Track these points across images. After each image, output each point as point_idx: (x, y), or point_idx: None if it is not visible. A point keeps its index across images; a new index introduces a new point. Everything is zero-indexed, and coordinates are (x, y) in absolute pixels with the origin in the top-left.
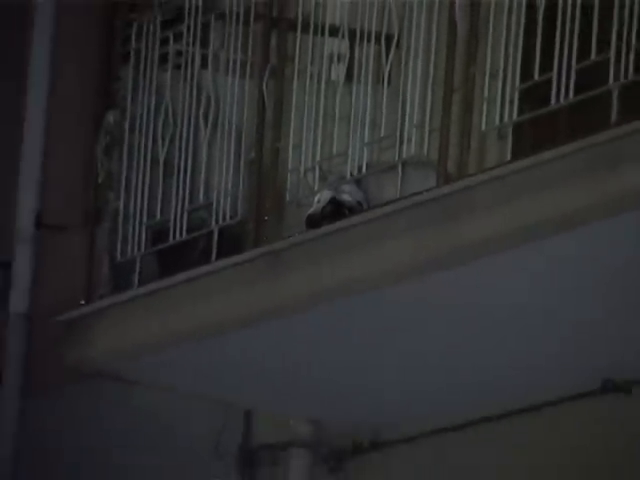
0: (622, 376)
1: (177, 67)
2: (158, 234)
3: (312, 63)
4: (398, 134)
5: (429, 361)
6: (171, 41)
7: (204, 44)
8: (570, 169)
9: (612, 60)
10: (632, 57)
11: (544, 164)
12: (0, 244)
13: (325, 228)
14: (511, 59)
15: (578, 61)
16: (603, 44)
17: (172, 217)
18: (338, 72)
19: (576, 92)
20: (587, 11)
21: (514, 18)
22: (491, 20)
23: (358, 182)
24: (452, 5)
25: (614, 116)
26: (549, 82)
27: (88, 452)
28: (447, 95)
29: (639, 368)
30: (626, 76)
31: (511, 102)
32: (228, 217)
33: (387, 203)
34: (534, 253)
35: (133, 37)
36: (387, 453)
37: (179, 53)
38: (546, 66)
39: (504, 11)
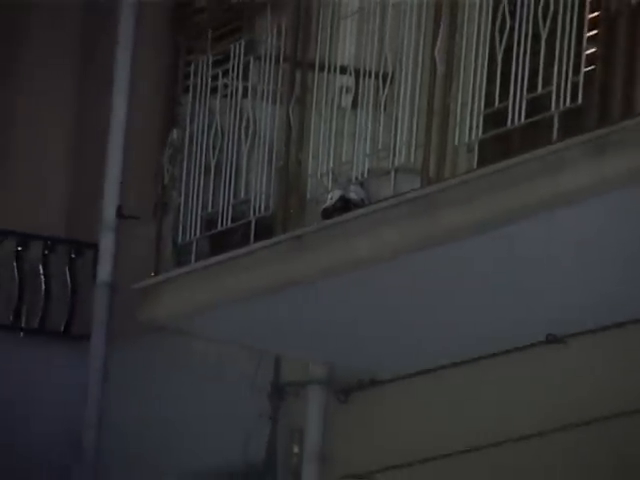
0: (561, 331)
1: (224, 96)
2: (209, 222)
3: (326, 94)
4: (392, 148)
5: (412, 319)
6: (220, 76)
7: (245, 78)
8: (520, 175)
9: (554, 92)
10: (569, 90)
11: (501, 171)
12: (90, 230)
13: (336, 218)
14: (477, 92)
15: (528, 92)
16: (548, 79)
17: (220, 210)
18: (346, 101)
19: (527, 116)
20: (535, 54)
21: (480, 60)
22: (462, 62)
23: (361, 184)
24: (433, 50)
25: (555, 134)
26: (506, 109)
27: (158, 388)
28: (429, 119)
29: (575, 324)
30: (564, 104)
31: (477, 124)
32: (262, 210)
33: (383, 200)
34: (490, 239)
35: (192, 73)
36: (382, 389)
37: (226, 85)
38: (503, 97)
39: (472, 55)
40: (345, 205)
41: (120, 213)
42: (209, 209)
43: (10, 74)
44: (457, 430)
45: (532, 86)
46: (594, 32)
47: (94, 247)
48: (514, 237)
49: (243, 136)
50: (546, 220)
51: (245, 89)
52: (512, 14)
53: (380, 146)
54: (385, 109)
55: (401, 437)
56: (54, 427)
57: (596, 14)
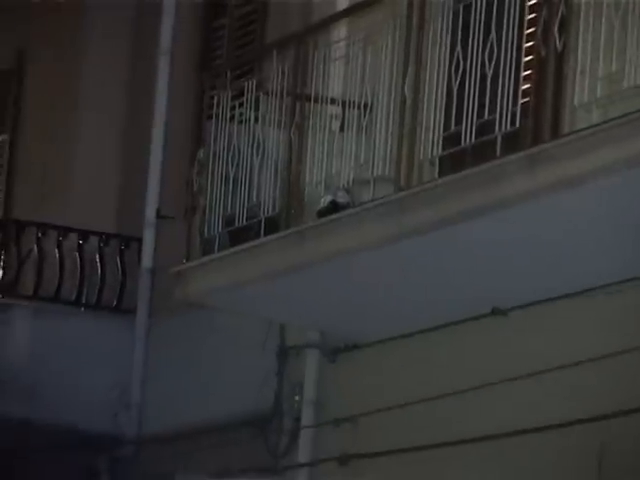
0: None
1: (240, 123)
2: (229, 221)
3: (320, 120)
4: (371, 162)
5: (387, 296)
6: (237, 107)
7: (256, 109)
8: (471, 183)
9: (497, 118)
10: (509, 117)
11: (456, 180)
12: (135, 226)
13: (328, 217)
14: (437, 118)
15: (477, 119)
16: (492, 109)
17: (237, 211)
18: (335, 126)
19: (476, 137)
20: (483, 89)
21: (439, 94)
22: (426, 95)
23: (347, 190)
24: (403, 86)
25: (498, 151)
26: (460, 132)
27: (189, 351)
28: (400, 139)
29: (516, 297)
30: (505, 128)
31: (437, 144)
32: (270, 211)
33: (364, 202)
34: (447, 233)
35: (215, 104)
36: (363, 351)
37: (241, 114)
38: (458, 122)
39: (433, 89)
40: (335, 207)
41: (159, 214)
42: (228, 210)
43: (71, 93)
44: (426, 381)
45: (480, 114)
46: (528, 72)
47: (139, 240)
48: (466, 231)
49: (255, 154)
50: (491, 218)
51: (256, 117)
52: (464, 58)
53: (362, 161)
54: (366, 132)
55: (379, 389)
56: (107, 382)
57: (530, 58)
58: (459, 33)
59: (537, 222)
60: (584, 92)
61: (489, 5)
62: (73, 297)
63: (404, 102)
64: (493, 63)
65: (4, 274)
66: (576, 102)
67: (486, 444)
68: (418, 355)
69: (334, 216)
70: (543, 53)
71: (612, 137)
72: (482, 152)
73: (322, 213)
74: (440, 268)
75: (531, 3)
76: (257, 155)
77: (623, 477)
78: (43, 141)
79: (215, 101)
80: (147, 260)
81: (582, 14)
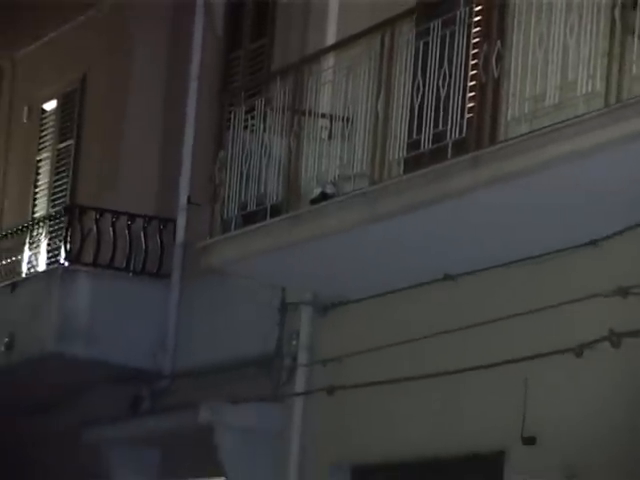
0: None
1: (252, 131)
2: (242, 207)
3: (313, 130)
4: (352, 162)
5: (364, 266)
6: (249, 119)
7: (264, 121)
8: (429, 179)
9: (449, 129)
10: (458, 128)
11: (417, 176)
12: (171, 210)
13: (319, 204)
14: (403, 129)
15: (434, 129)
16: (445, 121)
17: (248, 199)
18: (324, 134)
19: (432, 144)
20: (438, 106)
21: (405, 109)
22: (394, 110)
23: (334, 184)
24: (377, 103)
25: (449, 154)
26: (420, 139)
27: (212, 308)
28: (374, 145)
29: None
30: (455, 136)
31: (403, 148)
32: (274, 199)
33: (347, 193)
34: (411, 217)
35: (232, 117)
36: (347, 307)
37: (253, 125)
38: (419, 132)
39: (400, 106)
40: (324, 196)
41: (189, 201)
42: (242, 199)
43: (120, 108)
44: (396, 331)
45: (435, 125)
46: (472, 94)
47: (173, 221)
48: (425, 215)
49: (263, 155)
50: (443, 205)
51: (264, 127)
52: (423, 83)
53: (345, 161)
54: (348, 139)
55: (359, 336)
56: (149, 330)
57: (473, 83)
58: (419, 64)
59: (478, 207)
60: (515, 109)
61: (442, 42)
62: (123, 265)
63: (377, 116)
64: (445, 87)
65: (71, 247)
66: (509, 117)
67: (443, 379)
68: (390, 310)
69: (323, 203)
70: (484, 79)
71: (536, 144)
72: (437, 155)
73: (314, 201)
74: (403, 243)
75: (475, 41)
76: (264, 156)
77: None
78: (99, 144)
79: (232, 115)
80: (180, 237)
81: (513, 50)
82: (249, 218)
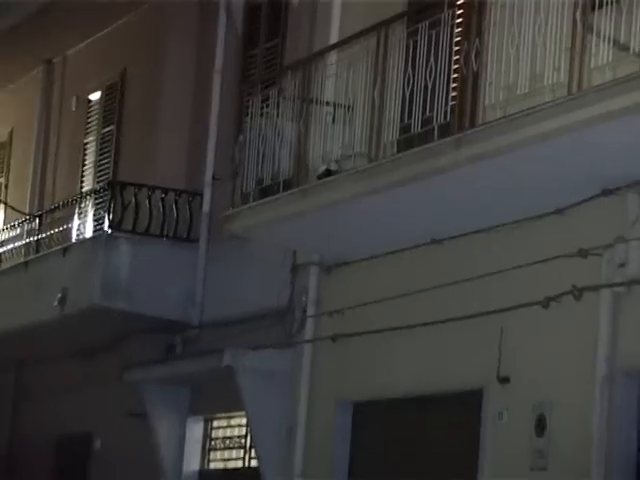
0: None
1: (267, 118)
2: (259, 182)
3: (319, 116)
4: (352, 143)
5: (364, 231)
6: (265, 107)
7: (277, 108)
8: (418, 157)
9: (435, 115)
10: (443, 114)
11: (408, 155)
12: (199, 185)
13: (324, 180)
14: (396, 114)
15: (422, 115)
16: (432, 108)
17: (264, 175)
18: (329, 119)
19: (421, 127)
20: (427, 95)
21: (398, 97)
22: (388, 98)
23: (337, 161)
24: (374, 91)
25: (435, 137)
26: (410, 124)
27: (234, 268)
28: (371, 128)
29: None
30: (441, 121)
31: (396, 131)
32: (287, 175)
33: (348, 170)
34: (402, 190)
35: (250, 105)
36: (349, 266)
37: (267, 112)
38: (409, 117)
39: (393, 94)
40: (329, 173)
41: (214, 177)
42: (259, 175)
43: (155, 97)
44: (391, 286)
45: (424, 111)
46: (455, 85)
47: (201, 195)
48: (415, 189)
49: (276, 138)
50: (431, 180)
51: (277, 114)
52: (413, 75)
53: (346, 142)
54: (349, 123)
55: (359, 292)
56: (180, 287)
57: (456, 75)
58: (410, 59)
59: (461, 182)
60: (491, 97)
61: (429, 41)
62: (158, 232)
63: (374, 104)
64: (432, 79)
65: (113, 217)
66: (486, 104)
67: (430, 328)
68: (385, 269)
69: (328, 179)
70: (464, 72)
71: (510, 127)
72: (425, 137)
73: (320, 177)
74: (396, 213)
75: (457, 40)
76: (277, 139)
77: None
78: (137, 129)
79: (250, 103)
80: (206, 207)
81: (490, 47)
82: (265, 191)
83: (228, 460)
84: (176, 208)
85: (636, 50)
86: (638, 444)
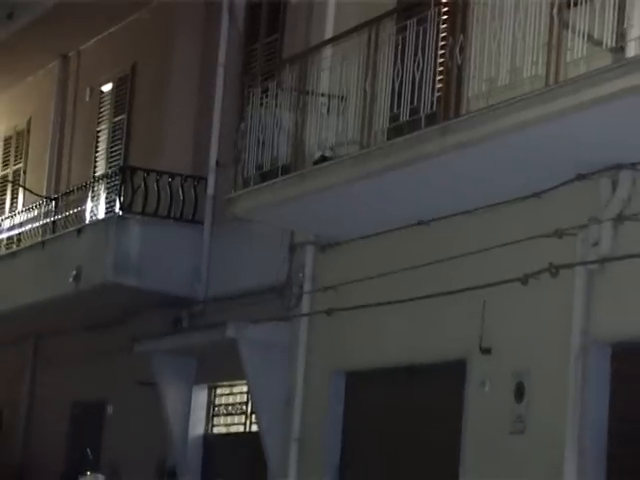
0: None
1: (266, 107)
2: (259, 167)
3: (315, 106)
4: (346, 132)
5: (354, 212)
6: (264, 97)
7: (276, 98)
8: (407, 144)
9: (422, 105)
10: (429, 104)
11: (397, 142)
12: (202, 170)
13: (319, 165)
14: (385, 104)
15: (410, 105)
16: (419, 98)
17: (264, 161)
18: (324, 110)
19: (410, 116)
20: (414, 86)
21: (387, 90)
22: (379, 90)
23: (332, 148)
24: (365, 84)
25: (423, 125)
26: (399, 113)
27: (235, 246)
28: (363, 117)
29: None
30: (427, 111)
31: (386, 120)
32: (285, 161)
33: (341, 156)
34: (391, 175)
35: (251, 96)
36: (340, 246)
37: (267, 102)
38: (398, 107)
39: (383, 86)
40: (324, 159)
41: (218, 163)
42: (259, 161)
43: (163, 88)
44: (379, 264)
45: (412, 102)
46: (441, 77)
47: (205, 179)
48: (404, 174)
49: (275, 126)
50: (419, 165)
51: (276, 104)
52: (402, 68)
53: (340, 131)
54: (343, 114)
55: (351, 269)
56: (187, 265)
57: (442, 69)
58: (399, 54)
59: (446, 167)
60: (474, 89)
61: (417, 37)
62: (165, 213)
63: (365, 95)
64: (419, 72)
65: (124, 200)
66: (470, 95)
67: (418, 303)
68: (376, 248)
69: (323, 164)
70: (449, 65)
71: (491, 116)
72: (413, 125)
73: (316, 162)
74: (386, 196)
75: (442, 36)
76: (276, 127)
77: None
78: (146, 118)
79: (251, 94)
80: (210, 191)
81: (473, 42)
82: (264, 176)
83: (230, 425)
84: (182, 191)
85: (608, 45)
86: (609, 408)
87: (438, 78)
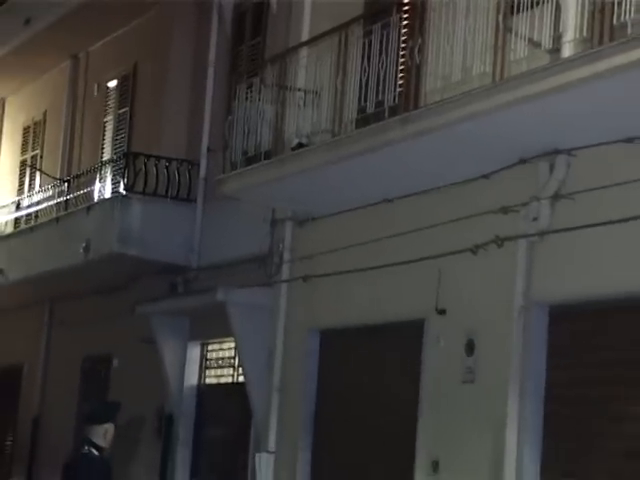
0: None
1: (251, 101)
2: (244, 153)
3: (292, 100)
4: (320, 122)
5: (329, 193)
6: (250, 92)
7: (259, 93)
8: (372, 132)
9: (386, 98)
10: (392, 97)
11: (365, 131)
12: (195, 155)
13: (296, 151)
14: (354, 98)
15: (376, 98)
16: (384, 93)
17: (249, 148)
18: (301, 103)
19: (375, 108)
20: (379, 82)
21: (355, 85)
22: (348, 86)
23: (307, 136)
24: (336, 81)
25: (387, 115)
26: (366, 105)
27: (223, 222)
28: (334, 110)
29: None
30: (391, 103)
31: (354, 111)
32: (266, 147)
33: (316, 144)
34: (360, 159)
35: (238, 90)
36: (316, 221)
37: (252, 96)
38: (365, 100)
39: (353, 83)
40: (300, 145)
41: (209, 149)
42: (244, 147)
43: (161, 84)
44: (349, 236)
45: (377, 95)
46: (402, 74)
47: (198, 164)
48: (370, 159)
49: (258, 117)
50: (383, 151)
51: (259, 98)
52: (369, 66)
53: (315, 121)
54: (317, 106)
55: (324, 241)
56: (182, 237)
57: (403, 67)
58: (366, 54)
59: (406, 152)
60: (431, 84)
61: (381, 39)
62: (163, 193)
63: (336, 90)
64: (383, 70)
65: (127, 181)
66: (427, 90)
67: (382, 270)
68: (346, 223)
69: (300, 150)
70: (409, 64)
71: (446, 108)
72: (378, 116)
73: (294, 148)
74: (354, 177)
75: (403, 39)
76: (259, 118)
77: None
78: (147, 110)
79: (238, 90)
80: (202, 173)
81: (430, 44)
82: (249, 160)
83: (220, 377)
84: (178, 174)
85: (546, 47)
86: (547, 360)
87: (399, 75)
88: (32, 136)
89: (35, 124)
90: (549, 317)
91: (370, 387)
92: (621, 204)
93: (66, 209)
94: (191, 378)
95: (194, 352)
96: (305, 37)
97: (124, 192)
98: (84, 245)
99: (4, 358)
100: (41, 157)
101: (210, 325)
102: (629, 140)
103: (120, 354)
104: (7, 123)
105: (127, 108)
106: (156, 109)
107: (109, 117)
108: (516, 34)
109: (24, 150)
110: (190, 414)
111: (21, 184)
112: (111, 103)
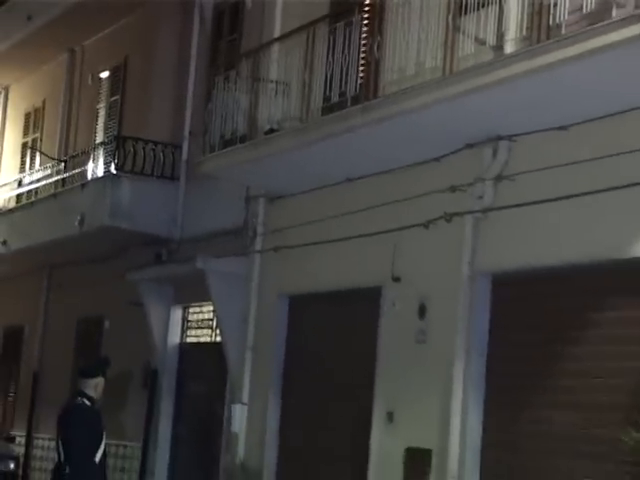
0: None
1: (228, 91)
2: (222, 136)
3: (266, 91)
4: (289, 110)
5: (300, 174)
6: (227, 83)
7: (236, 84)
8: (336, 119)
9: (348, 89)
10: (352, 88)
11: (330, 118)
12: (179, 139)
13: (269, 135)
14: (319, 90)
15: (339, 89)
16: (346, 85)
17: (226, 132)
18: (273, 93)
19: (339, 98)
20: (342, 74)
21: (320, 77)
22: (315, 78)
23: (279, 123)
24: (304, 74)
25: (349, 104)
26: (331, 96)
27: (205, 199)
28: (302, 99)
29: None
30: (353, 93)
31: (320, 102)
32: (242, 131)
33: (285, 129)
34: (322, 144)
35: (216, 82)
36: (286, 198)
37: (229, 87)
38: (330, 91)
39: (318, 75)
40: (272, 130)
41: (190, 133)
42: (222, 132)
43: (149, 74)
44: (317, 210)
45: (341, 86)
46: (363, 68)
47: (180, 146)
48: (334, 143)
49: (235, 105)
50: (345, 136)
51: (236, 89)
52: (333, 60)
53: (285, 109)
54: (287, 96)
55: (294, 216)
56: (166, 212)
57: (364, 62)
58: (331, 49)
59: (366, 137)
60: (389, 76)
61: (344, 36)
62: (150, 172)
63: (304, 82)
64: (346, 64)
65: (118, 161)
66: (385, 81)
67: (346, 242)
68: (313, 200)
69: (272, 135)
70: (369, 59)
71: (400, 98)
72: (341, 105)
73: (266, 133)
74: (320, 160)
75: (364, 36)
76: (236, 106)
77: None
78: (135, 98)
79: (216, 81)
80: (185, 155)
81: (388, 41)
82: (226, 143)
83: (200, 336)
84: (163, 155)
85: (491, 44)
86: (489, 322)
87: (361, 69)
88: (33, 121)
89: (35, 110)
90: (492, 284)
91: (333, 346)
92: (556, 184)
93: (63, 186)
94: (174, 337)
95: (177, 314)
96: (277, 34)
97: (115, 171)
98: (79, 218)
99: (7, 320)
100: (41, 140)
101: (191, 290)
102: (562, 128)
103: (111, 316)
104: (10, 109)
105: (118, 96)
106: (144, 97)
107: (102, 104)
108: (464, 33)
109: (25, 133)
110: (173, 369)
111: (23, 164)
112: (104, 92)
